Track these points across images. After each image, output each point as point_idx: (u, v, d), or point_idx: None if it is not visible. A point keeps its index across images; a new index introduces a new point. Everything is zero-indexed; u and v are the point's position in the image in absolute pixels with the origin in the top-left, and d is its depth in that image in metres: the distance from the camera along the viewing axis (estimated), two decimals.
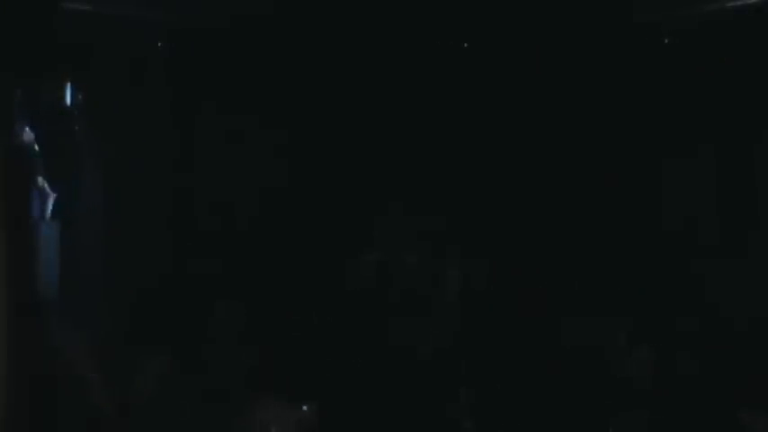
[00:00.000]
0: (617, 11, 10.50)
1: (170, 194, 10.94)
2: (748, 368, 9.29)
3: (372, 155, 11.28)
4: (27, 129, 10.25)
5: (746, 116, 10.33)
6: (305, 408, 7.95)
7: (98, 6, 10.14)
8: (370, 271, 11.06)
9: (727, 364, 9.34)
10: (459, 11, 10.63)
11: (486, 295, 10.82)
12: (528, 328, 10.35)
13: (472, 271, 10.99)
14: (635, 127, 10.97)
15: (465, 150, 11.34)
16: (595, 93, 10.95)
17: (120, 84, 10.67)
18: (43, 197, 10.40)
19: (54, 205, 10.53)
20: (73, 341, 8.73)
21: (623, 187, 11.04)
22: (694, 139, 10.75)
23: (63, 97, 10.65)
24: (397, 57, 11.02)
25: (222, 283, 10.61)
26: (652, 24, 10.48)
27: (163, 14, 10.46)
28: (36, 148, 10.34)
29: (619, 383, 9.28)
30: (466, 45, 11.05)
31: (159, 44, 10.50)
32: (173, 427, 8.75)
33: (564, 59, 10.91)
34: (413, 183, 11.26)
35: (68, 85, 10.64)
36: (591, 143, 11.12)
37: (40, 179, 10.35)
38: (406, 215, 11.20)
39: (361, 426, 9.20)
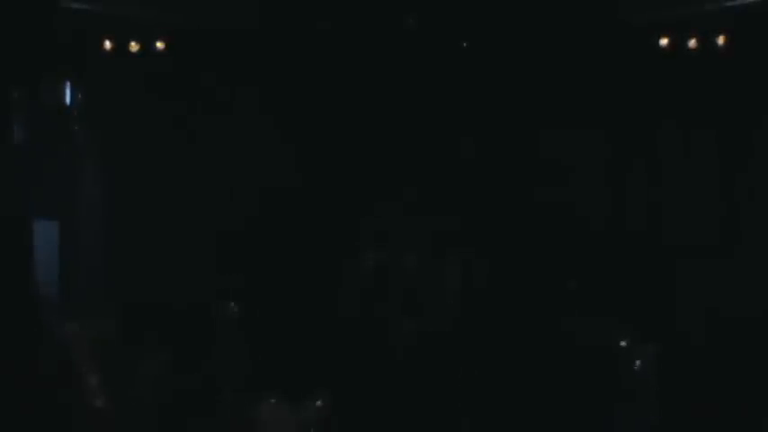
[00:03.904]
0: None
1: (169, 194, 10.94)
2: (749, 368, 9.31)
3: (373, 156, 11.28)
4: (27, 129, 10.27)
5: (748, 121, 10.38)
6: (317, 403, 7.95)
7: (98, 6, 10.15)
8: (369, 270, 11.07)
9: (728, 364, 9.36)
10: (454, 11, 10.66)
11: (486, 295, 10.83)
12: (528, 329, 10.36)
13: (473, 271, 11.00)
14: (632, 133, 11.00)
15: (467, 151, 11.36)
16: (596, 95, 10.96)
17: (120, 83, 10.68)
18: (43, 196, 10.41)
19: (53, 204, 10.55)
20: (72, 339, 8.74)
21: (623, 188, 11.08)
22: (693, 143, 10.77)
23: (63, 97, 10.66)
24: (400, 59, 11.02)
25: (222, 283, 10.63)
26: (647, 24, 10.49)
27: (162, 14, 10.47)
28: (36, 147, 10.36)
29: (620, 383, 9.29)
30: (465, 45, 11.04)
31: (159, 44, 10.50)
32: (173, 427, 8.75)
33: (565, 62, 10.91)
34: (413, 183, 11.27)
35: (68, 85, 10.66)
36: (589, 145, 11.15)
37: (39, 178, 10.36)
38: (407, 216, 11.20)
39: (361, 425, 9.19)
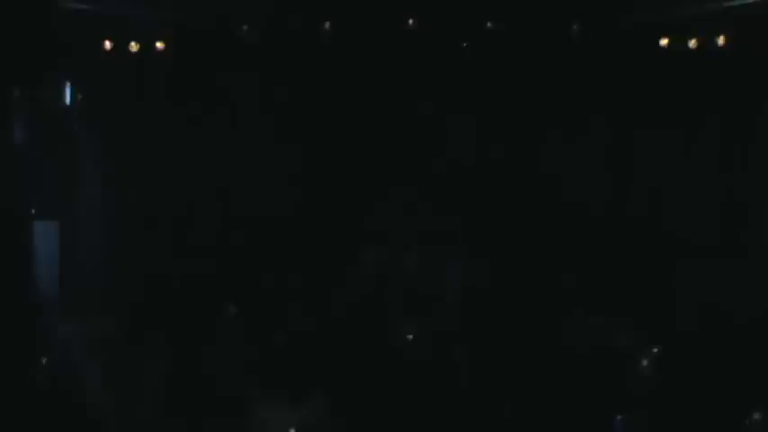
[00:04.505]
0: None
1: (169, 194, 10.94)
2: (750, 368, 9.31)
3: (374, 155, 11.27)
4: (27, 129, 10.28)
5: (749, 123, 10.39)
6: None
7: (98, 6, 10.15)
8: (369, 270, 11.08)
9: (729, 364, 9.37)
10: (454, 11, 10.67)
11: (486, 295, 10.83)
12: (528, 328, 10.36)
13: (473, 271, 11.00)
14: (633, 132, 10.99)
15: (467, 150, 11.35)
16: (597, 94, 10.96)
17: (120, 83, 10.68)
18: (43, 196, 10.42)
19: (53, 204, 10.55)
20: (72, 339, 8.75)
21: (624, 188, 11.09)
22: (693, 142, 10.77)
23: (63, 97, 10.66)
24: (400, 59, 11.02)
25: (222, 284, 10.63)
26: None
27: (162, 14, 10.47)
28: (36, 147, 10.36)
29: (621, 383, 9.30)
30: (465, 45, 11.04)
31: (159, 44, 10.50)
32: (173, 427, 8.76)
33: (565, 62, 10.91)
34: (413, 183, 11.27)
35: (68, 85, 10.66)
36: (590, 145, 11.15)
37: (39, 178, 10.37)
38: (407, 215, 11.20)
39: (361, 425, 9.20)
